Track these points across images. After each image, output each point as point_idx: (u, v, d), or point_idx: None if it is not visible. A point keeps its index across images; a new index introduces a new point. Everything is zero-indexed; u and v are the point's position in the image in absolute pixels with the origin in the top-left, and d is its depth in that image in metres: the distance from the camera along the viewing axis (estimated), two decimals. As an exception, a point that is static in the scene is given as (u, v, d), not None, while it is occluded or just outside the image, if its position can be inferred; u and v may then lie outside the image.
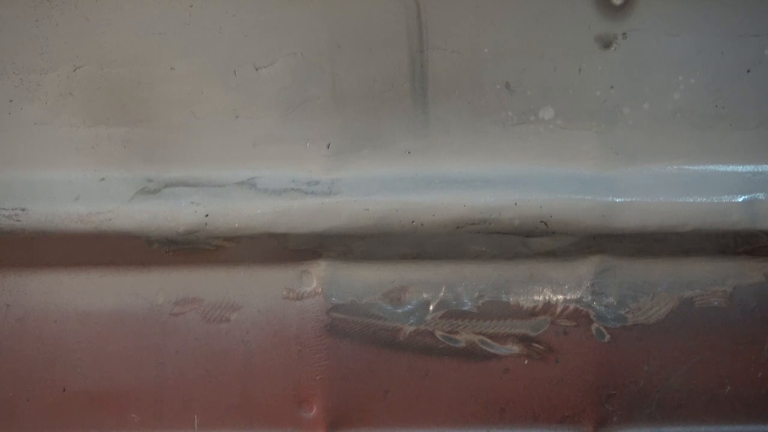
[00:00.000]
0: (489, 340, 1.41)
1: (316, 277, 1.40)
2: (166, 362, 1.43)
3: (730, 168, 1.33)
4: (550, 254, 1.38)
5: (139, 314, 1.41)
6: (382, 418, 1.45)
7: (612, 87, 1.30)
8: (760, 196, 1.31)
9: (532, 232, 1.32)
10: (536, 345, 1.41)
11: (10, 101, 1.31)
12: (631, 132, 1.32)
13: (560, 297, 1.40)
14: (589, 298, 1.39)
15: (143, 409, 1.45)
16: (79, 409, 1.45)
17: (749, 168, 1.33)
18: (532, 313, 1.40)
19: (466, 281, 1.40)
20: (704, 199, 1.30)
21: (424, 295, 1.40)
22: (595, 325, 1.40)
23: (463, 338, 1.41)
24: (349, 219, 1.31)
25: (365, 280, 1.40)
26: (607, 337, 1.40)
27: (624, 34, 1.28)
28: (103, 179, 1.34)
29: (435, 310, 1.40)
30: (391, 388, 1.44)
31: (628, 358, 1.41)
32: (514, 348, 1.42)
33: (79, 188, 1.33)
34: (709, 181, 1.32)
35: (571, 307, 1.40)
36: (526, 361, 1.42)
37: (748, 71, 1.30)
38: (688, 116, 1.31)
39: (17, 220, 1.31)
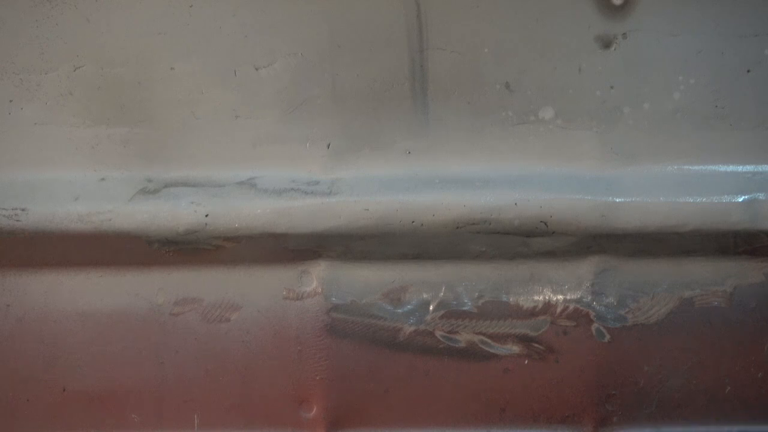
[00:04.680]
0: (489, 340, 1.41)
1: (316, 277, 1.40)
2: (166, 362, 1.43)
3: (730, 168, 1.33)
4: (550, 254, 1.38)
5: (139, 314, 1.41)
6: (382, 418, 1.45)
7: (612, 87, 1.30)
8: (760, 196, 1.31)
9: (532, 232, 1.32)
10: (536, 345, 1.41)
11: (10, 101, 1.31)
12: (631, 132, 1.32)
13: (560, 297, 1.40)
14: (589, 298, 1.39)
15: (143, 409, 1.45)
16: (79, 409, 1.45)
17: (749, 168, 1.33)
18: (532, 313, 1.40)
19: (466, 281, 1.40)
20: (704, 199, 1.30)
21: (424, 295, 1.40)
22: (595, 325, 1.40)
23: (463, 338, 1.41)
24: (349, 219, 1.31)
25: (365, 280, 1.40)
26: (607, 337, 1.40)
27: (624, 34, 1.28)
28: (103, 179, 1.34)
29: (435, 310, 1.40)
30: (391, 388, 1.44)
31: (628, 358, 1.41)
32: (514, 348, 1.42)
33: (79, 188, 1.33)
34: (709, 181, 1.32)
35: (571, 307, 1.40)
36: (526, 361, 1.42)
37: (748, 71, 1.30)
38: (688, 116, 1.32)
39: (17, 220, 1.31)
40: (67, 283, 1.40)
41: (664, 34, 1.28)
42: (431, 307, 1.40)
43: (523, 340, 1.41)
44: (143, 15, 1.28)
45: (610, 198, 1.30)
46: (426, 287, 1.40)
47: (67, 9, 1.28)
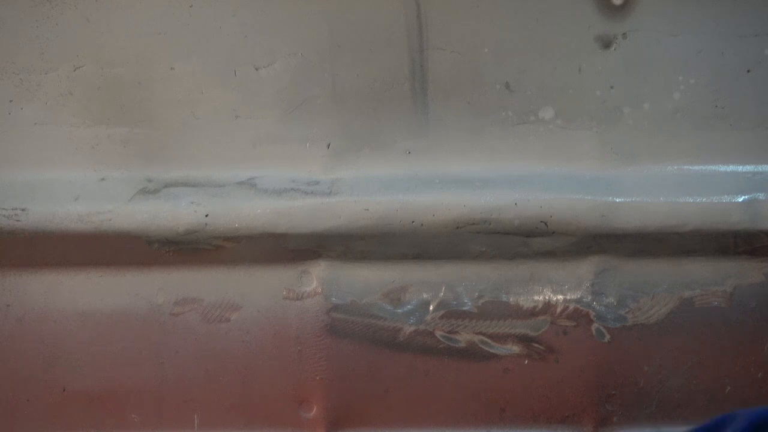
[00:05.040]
0: (489, 340, 1.41)
1: (316, 277, 1.40)
2: (166, 362, 1.43)
3: (730, 168, 1.33)
4: (550, 254, 1.38)
5: (139, 314, 1.41)
6: (382, 417, 1.45)
7: (612, 87, 1.30)
8: (760, 196, 1.31)
9: (532, 232, 1.32)
10: (536, 345, 1.41)
11: (10, 101, 1.31)
12: (631, 132, 1.32)
13: (560, 297, 1.40)
14: (589, 298, 1.39)
15: (143, 409, 1.45)
16: (79, 409, 1.45)
17: (749, 168, 1.33)
18: (532, 313, 1.40)
19: (466, 281, 1.40)
20: (704, 199, 1.30)
21: (424, 295, 1.40)
22: (595, 325, 1.40)
23: (463, 338, 1.41)
24: (349, 219, 1.31)
25: (365, 280, 1.40)
26: (607, 337, 1.40)
27: (624, 34, 1.28)
28: (103, 179, 1.34)
29: (435, 310, 1.40)
30: (391, 388, 1.44)
31: (628, 358, 1.41)
32: (514, 348, 1.42)
33: (79, 188, 1.33)
34: (709, 181, 1.32)
35: (571, 307, 1.40)
36: (526, 361, 1.42)
37: (748, 71, 1.30)
38: (688, 116, 1.32)
39: (17, 220, 1.31)
40: (67, 283, 1.40)
41: (664, 34, 1.28)
42: (431, 307, 1.40)
43: (523, 340, 1.41)
44: (143, 15, 1.28)
45: (610, 198, 1.30)
46: (426, 287, 1.40)
47: (67, 9, 1.28)
